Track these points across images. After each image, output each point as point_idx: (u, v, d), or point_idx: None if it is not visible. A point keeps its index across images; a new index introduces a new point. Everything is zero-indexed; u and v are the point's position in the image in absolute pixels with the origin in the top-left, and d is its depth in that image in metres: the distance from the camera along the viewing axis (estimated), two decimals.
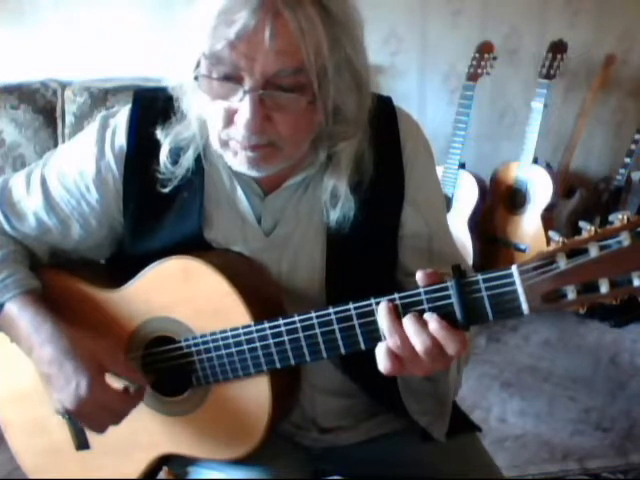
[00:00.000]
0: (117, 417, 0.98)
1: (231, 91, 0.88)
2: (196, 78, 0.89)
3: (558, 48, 2.83)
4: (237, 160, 0.94)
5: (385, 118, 1.03)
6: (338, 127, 0.95)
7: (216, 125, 0.92)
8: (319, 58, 0.85)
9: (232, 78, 0.87)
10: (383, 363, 0.85)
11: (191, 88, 0.93)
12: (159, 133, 1.00)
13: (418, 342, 0.82)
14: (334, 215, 1.00)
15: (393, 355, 0.84)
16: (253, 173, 0.96)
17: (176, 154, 1.00)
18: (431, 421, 1.07)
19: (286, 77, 0.86)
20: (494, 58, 2.81)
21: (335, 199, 1.00)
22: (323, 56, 0.85)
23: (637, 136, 2.98)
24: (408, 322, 0.83)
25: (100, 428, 0.99)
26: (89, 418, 0.98)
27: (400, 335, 0.83)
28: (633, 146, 2.98)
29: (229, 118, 0.90)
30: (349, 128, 0.96)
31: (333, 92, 0.89)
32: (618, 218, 0.69)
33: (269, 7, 0.82)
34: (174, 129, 0.99)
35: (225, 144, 0.93)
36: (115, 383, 0.97)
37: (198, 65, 0.89)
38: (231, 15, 0.83)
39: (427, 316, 0.83)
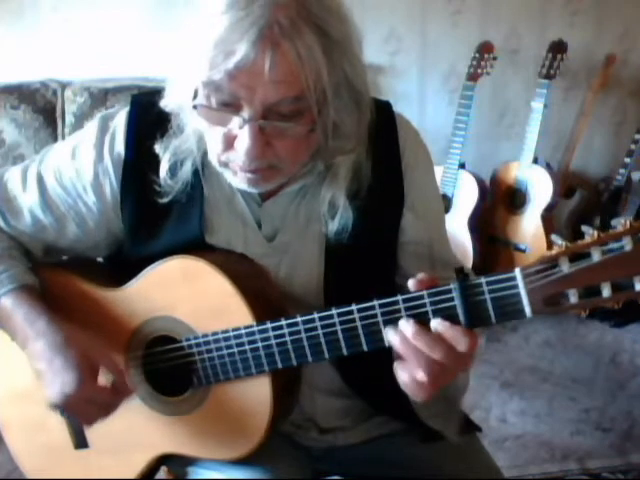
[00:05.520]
0: (105, 410, 0.98)
1: (230, 118, 0.88)
2: (195, 107, 0.89)
3: (558, 48, 2.83)
4: (237, 179, 0.95)
5: (384, 125, 1.03)
6: (337, 142, 0.95)
7: (215, 148, 0.93)
8: (319, 84, 0.85)
9: (231, 105, 0.87)
10: (413, 390, 0.86)
11: (189, 110, 0.92)
12: (158, 148, 1.00)
13: (436, 353, 0.83)
14: (333, 226, 1.00)
15: (421, 376, 0.85)
16: (253, 190, 0.97)
17: (174, 167, 1.00)
18: (443, 423, 1.08)
19: (286, 105, 0.86)
20: (494, 58, 2.81)
21: (333, 210, 1.00)
22: (323, 81, 0.85)
23: (637, 136, 2.98)
24: (418, 338, 0.83)
25: (88, 421, 1.00)
26: (76, 412, 0.99)
27: (416, 352, 0.84)
28: (633, 146, 2.98)
29: (228, 143, 0.90)
30: (348, 143, 0.96)
31: (333, 113, 0.90)
32: (620, 223, 0.70)
33: (268, 38, 0.81)
34: (172, 143, 0.99)
35: (225, 165, 0.94)
36: (102, 378, 0.98)
37: (195, 94, 0.89)
38: (230, 46, 0.82)
39: (433, 323, 0.83)
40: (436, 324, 0.83)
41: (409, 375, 0.85)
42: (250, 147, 0.87)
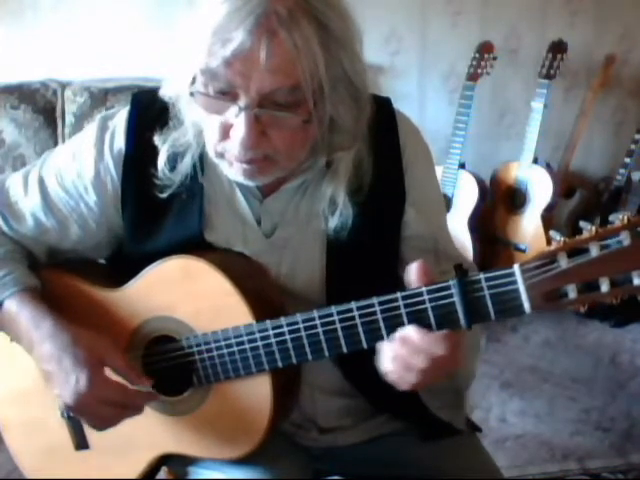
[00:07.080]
0: (118, 411, 0.98)
1: (226, 106, 0.88)
2: (192, 94, 0.90)
3: (558, 48, 2.83)
4: (233, 170, 0.95)
5: (384, 121, 1.03)
6: (335, 137, 0.95)
7: (212, 137, 0.93)
8: (315, 76, 0.85)
9: (228, 94, 0.88)
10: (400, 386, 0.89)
11: (187, 100, 0.93)
12: (157, 139, 1.00)
13: (419, 361, 0.85)
14: (332, 223, 1.00)
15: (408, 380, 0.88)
16: (249, 183, 0.97)
17: (173, 160, 1.01)
18: (451, 413, 1.09)
19: (282, 95, 0.86)
20: (494, 58, 2.81)
21: (334, 207, 1.00)
22: (319, 74, 0.85)
23: (637, 136, 2.97)
24: (402, 350, 0.86)
25: (102, 424, 0.99)
26: (90, 413, 0.98)
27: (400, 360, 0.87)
28: (633, 146, 2.98)
29: (224, 132, 0.91)
30: (346, 139, 0.96)
31: (329, 107, 0.90)
32: (618, 218, 0.70)
33: (265, 27, 0.82)
34: (171, 135, 0.99)
35: (221, 155, 0.94)
36: (115, 378, 0.97)
37: (194, 80, 0.89)
38: (227, 33, 0.83)
39: (407, 331, 0.85)
40: (410, 333, 0.85)
41: (397, 378, 0.89)
42: (245, 136, 0.87)
